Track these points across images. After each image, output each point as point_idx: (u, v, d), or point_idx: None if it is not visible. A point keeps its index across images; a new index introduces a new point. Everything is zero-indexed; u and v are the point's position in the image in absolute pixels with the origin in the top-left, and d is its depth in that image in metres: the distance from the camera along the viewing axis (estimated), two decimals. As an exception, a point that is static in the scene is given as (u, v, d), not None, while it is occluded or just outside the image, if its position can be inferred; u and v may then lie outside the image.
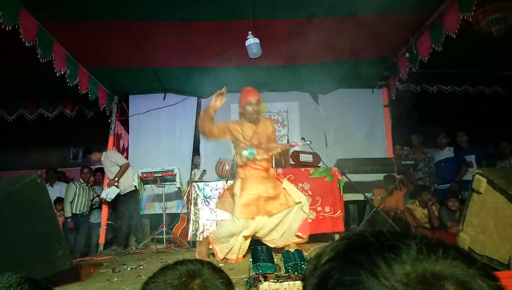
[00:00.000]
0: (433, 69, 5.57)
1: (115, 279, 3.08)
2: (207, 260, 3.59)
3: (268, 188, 3.70)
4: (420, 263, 0.42)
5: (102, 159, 5.74)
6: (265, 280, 2.31)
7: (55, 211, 4.77)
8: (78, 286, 2.83)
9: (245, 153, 3.63)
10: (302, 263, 2.27)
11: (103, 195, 5.57)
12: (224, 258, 3.68)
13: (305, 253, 2.60)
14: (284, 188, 3.88)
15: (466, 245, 3.12)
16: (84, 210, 5.98)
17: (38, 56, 4.19)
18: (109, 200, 5.64)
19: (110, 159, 5.68)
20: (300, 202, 3.83)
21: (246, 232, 3.61)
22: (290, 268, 2.27)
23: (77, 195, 5.93)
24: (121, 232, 5.63)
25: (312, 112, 6.57)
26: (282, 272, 2.35)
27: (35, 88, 6.20)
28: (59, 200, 6.13)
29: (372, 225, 5.48)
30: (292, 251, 2.40)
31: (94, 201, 6.19)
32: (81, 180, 6.09)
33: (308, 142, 4.23)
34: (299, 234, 3.78)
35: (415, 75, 5.58)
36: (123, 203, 5.69)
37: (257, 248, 2.44)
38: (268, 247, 2.49)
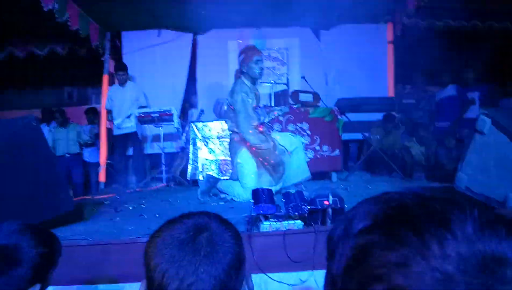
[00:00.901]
0: (443, 3, 5.27)
1: (118, 218, 3.14)
2: (210, 198, 3.70)
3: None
4: (478, 244, 0.35)
5: (125, 85, 5.58)
6: (265, 220, 2.34)
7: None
8: (82, 226, 2.88)
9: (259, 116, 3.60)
10: (303, 204, 2.29)
11: (118, 122, 5.53)
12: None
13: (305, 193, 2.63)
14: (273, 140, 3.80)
15: (463, 184, 3.18)
16: (69, 150, 6.04)
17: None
18: (117, 132, 5.62)
19: (138, 95, 5.59)
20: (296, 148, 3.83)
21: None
22: (291, 209, 2.29)
23: (55, 140, 6.00)
24: (122, 171, 5.69)
25: (313, 49, 6.33)
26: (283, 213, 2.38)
27: (24, 25, 5.90)
28: None
29: (369, 163, 5.54)
30: (293, 192, 2.42)
31: (86, 139, 6.19)
32: (56, 124, 6.12)
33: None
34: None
35: (421, 10, 5.29)
36: (125, 143, 5.69)
37: (258, 189, 2.45)
38: (269, 189, 2.50)
